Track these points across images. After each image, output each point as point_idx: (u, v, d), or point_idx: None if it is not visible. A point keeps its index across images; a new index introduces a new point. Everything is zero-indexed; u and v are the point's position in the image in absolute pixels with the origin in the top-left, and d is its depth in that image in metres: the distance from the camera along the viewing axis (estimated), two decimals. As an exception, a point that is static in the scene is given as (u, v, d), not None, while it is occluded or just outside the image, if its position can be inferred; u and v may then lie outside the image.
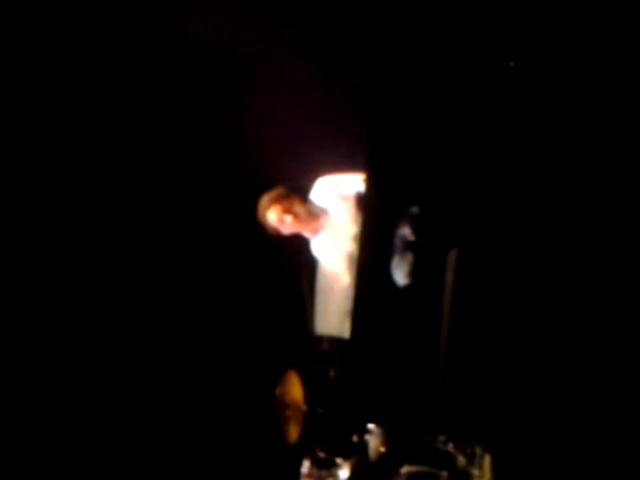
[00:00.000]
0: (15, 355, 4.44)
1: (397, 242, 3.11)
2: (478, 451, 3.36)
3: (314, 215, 3.92)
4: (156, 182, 4.59)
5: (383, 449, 3.79)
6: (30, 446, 4.44)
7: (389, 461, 3.73)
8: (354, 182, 3.84)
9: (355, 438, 3.87)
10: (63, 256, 4.53)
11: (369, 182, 3.30)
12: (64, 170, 4.51)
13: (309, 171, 4.10)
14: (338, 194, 3.94)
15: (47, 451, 4.47)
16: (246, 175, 4.47)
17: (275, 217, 3.86)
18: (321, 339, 3.93)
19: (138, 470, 4.53)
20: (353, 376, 3.45)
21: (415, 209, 3.15)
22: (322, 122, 4.45)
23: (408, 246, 3.10)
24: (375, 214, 3.26)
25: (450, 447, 3.51)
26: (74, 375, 4.53)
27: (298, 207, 3.88)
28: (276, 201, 3.86)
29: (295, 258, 4.02)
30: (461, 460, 3.47)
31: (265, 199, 3.89)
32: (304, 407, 3.87)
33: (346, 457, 3.81)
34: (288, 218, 3.85)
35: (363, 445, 3.84)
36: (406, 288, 3.12)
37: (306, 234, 3.96)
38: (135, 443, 4.55)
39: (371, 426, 3.74)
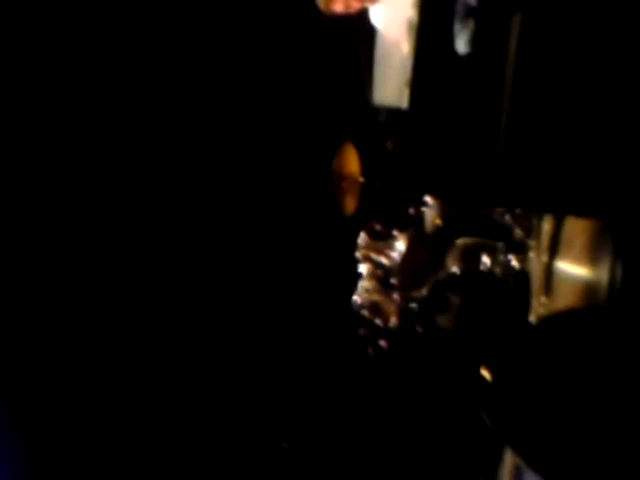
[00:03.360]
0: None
1: (459, 7, 2.98)
2: (535, 222, 3.34)
3: None
4: None
5: (439, 222, 3.79)
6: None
7: (445, 233, 3.74)
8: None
9: (411, 210, 3.87)
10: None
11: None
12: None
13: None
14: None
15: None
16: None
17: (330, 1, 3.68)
18: (378, 110, 3.85)
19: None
20: (411, 147, 3.40)
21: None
22: None
23: (470, 11, 2.97)
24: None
25: (507, 219, 3.50)
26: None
27: None
28: None
29: (353, 27, 3.88)
30: (518, 232, 3.46)
31: None
32: (361, 179, 3.85)
33: (402, 229, 3.83)
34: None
35: (419, 218, 3.85)
36: (467, 56, 3.01)
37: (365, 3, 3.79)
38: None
39: (427, 198, 3.73)
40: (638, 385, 2.36)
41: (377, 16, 3.79)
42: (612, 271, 2.83)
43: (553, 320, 2.77)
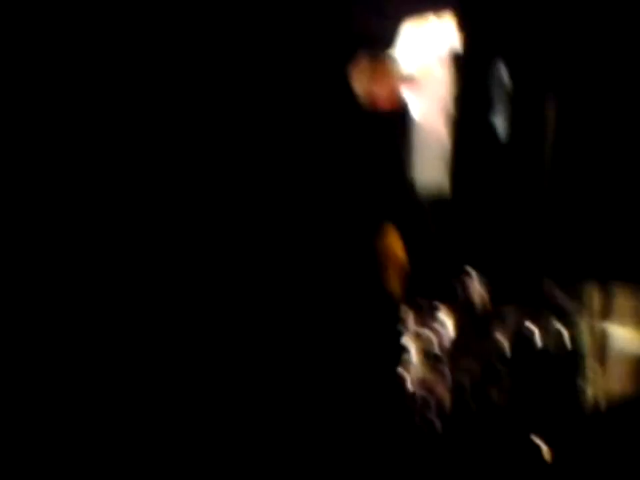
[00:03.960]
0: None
1: (495, 94, 3.08)
2: (585, 291, 3.38)
3: (407, 76, 3.86)
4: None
5: (486, 294, 3.84)
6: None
7: (493, 305, 3.78)
8: (441, 31, 3.74)
9: (457, 285, 3.91)
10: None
11: (462, 29, 3.23)
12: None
13: (390, 16, 3.98)
14: (427, 48, 3.87)
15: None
16: (326, 26, 4.37)
17: (372, 86, 3.80)
18: (421, 196, 3.94)
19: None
20: (453, 230, 3.48)
21: (511, 55, 3.09)
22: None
23: (505, 98, 3.07)
24: (469, 63, 3.21)
25: (556, 289, 3.53)
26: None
27: (388, 72, 3.82)
28: (368, 70, 3.79)
29: (392, 118, 3.99)
30: (568, 301, 3.50)
31: (357, 72, 3.82)
32: (405, 260, 3.92)
33: (450, 304, 3.87)
34: (387, 84, 3.79)
35: (467, 291, 3.89)
36: (505, 140, 3.10)
37: (401, 94, 3.91)
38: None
39: (472, 272, 3.77)
40: None
41: (413, 103, 3.90)
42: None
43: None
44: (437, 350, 3.87)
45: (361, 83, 3.80)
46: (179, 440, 4.47)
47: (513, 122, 3.06)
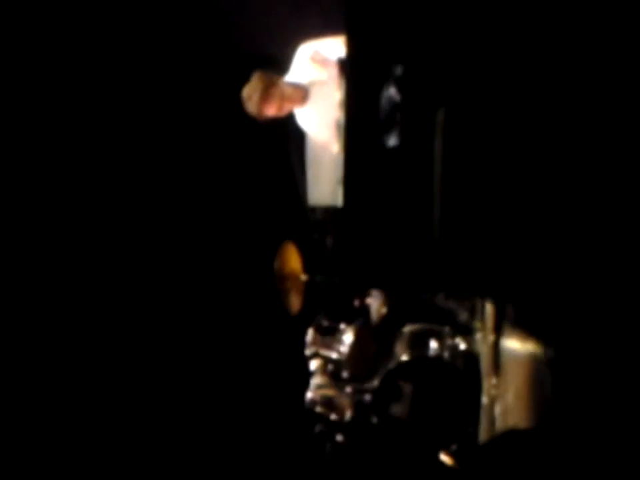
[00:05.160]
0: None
1: (384, 103, 3.08)
2: (478, 304, 3.41)
3: (300, 89, 3.87)
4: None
5: (384, 311, 3.85)
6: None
7: (392, 321, 3.79)
8: (335, 46, 3.76)
9: (356, 302, 3.92)
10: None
11: (350, 42, 3.22)
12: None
13: (287, 38, 4.01)
14: (319, 60, 3.88)
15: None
16: (222, 46, 4.37)
17: (262, 106, 3.79)
18: (314, 209, 3.93)
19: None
20: (349, 242, 3.46)
21: (399, 69, 3.10)
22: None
23: (395, 107, 3.06)
24: (358, 76, 3.20)
25: (450, 303, 3.56)
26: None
27: (284, 89, 3.82)
28: (260, 90, 3.79)
29: (282, 132, 3.99)
30: (462, 314, 3.53)
31: (248, 91, 3.81)
32: (303, 277, 3.90)
33: (349, 322, 3.87)
34: (276, 104, 3.78)
35: (365, 309, 3.90)
36: (395, 150, 3.10)
37: (291, 109, 3.91)
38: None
39: (371, 289, 3.79)
40: None
41: (304, 119, 3.90)
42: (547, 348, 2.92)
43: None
44: (337, 366, 3.86)
45: (254, 100, 3.79)
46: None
47: (403, 135, 3.06)
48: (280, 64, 3.95)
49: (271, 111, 3.79)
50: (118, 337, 4.57)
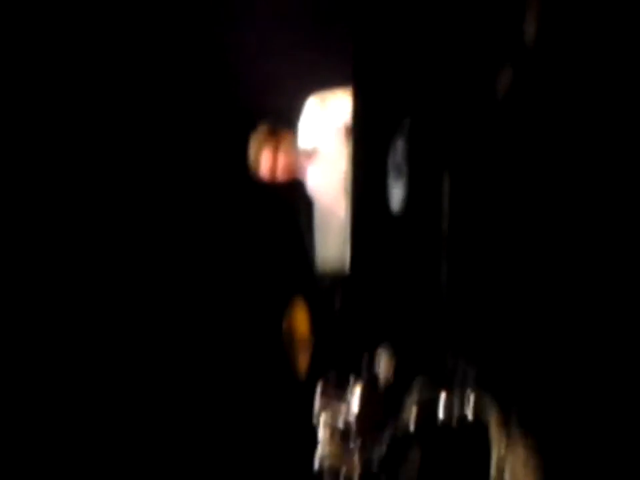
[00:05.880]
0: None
1: (390, 167, 3.06)
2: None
3: (306, 151, 3.86)
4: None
5: (392, 369, 3.80)
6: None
7: (400, 384, 3.74)
8: (343, 106, 3.76)
9: (364, 361, 3.88)
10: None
11: (356, 104, 3.21)
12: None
13: (294, 92, 4.01)
14: (327, 122, 3.87)
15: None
16: (227, 105, 4.37)
17: (267, 161, 3.79)
18: (323, 273, 3.91)
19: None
20: (357, 305, 3.44)
21: (406, 131, 3.08)
22: (304, 36, 4.33)
23: (401, 171, 3.04)
24: (364, 139, 3.19)
25: (460, 365, 3.50)
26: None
27: (288, 145, 3.82)
28: (264, 141, 3.79)
29: (290, 197, 3.98)
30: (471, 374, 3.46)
31: (253, 144, 3.82)
32: (312, 338, 3.88)
33: (357, 381, 3.83)
34: (280, 160, 3.78)
35: (373, 368, 3.85)
36: (402, 213, 3.07)
37: (299, 172, 3.90)
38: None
39: (380, 349, 3.74)
40: None
41: (311, 184, 3.90)
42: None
43: None
44: (345, 425, 3.82)
45: (261, 156, 3.79)
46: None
47: (410, 197, 3.03)
48: (288, 116, 3.95)
49: (281, 164, 3.77)
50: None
